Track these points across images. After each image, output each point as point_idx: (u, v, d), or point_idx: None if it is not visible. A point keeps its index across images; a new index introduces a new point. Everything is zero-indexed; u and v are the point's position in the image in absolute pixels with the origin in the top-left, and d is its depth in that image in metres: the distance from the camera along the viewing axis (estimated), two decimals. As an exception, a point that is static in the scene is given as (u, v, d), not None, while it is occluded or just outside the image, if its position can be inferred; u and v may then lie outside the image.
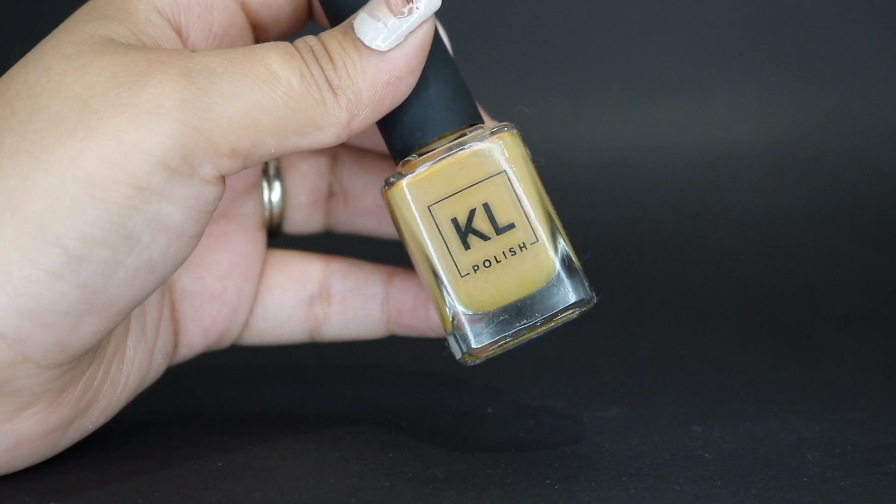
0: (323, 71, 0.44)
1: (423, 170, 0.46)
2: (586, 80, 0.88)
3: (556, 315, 0.46)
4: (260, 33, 0.49)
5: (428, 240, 0.46)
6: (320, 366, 0.60)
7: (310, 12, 0.50)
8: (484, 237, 0.46)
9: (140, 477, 0.46)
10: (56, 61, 0.44)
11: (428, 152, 0.46)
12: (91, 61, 0.43)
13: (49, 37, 0.45)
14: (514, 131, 0.46)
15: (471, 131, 0.46)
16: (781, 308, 0.73)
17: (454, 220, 0.46)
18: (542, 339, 0.52)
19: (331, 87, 0.44)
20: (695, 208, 0.83)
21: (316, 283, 0.52)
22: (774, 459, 0.47)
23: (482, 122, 0.47)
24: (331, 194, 0.53)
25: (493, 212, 0.46)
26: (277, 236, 0.53)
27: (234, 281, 0.51)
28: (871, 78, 0.88)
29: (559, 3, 0.88)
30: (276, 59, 0.44)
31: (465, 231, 0.46)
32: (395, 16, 0.44)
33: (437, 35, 0.46)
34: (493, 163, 0.46)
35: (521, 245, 0.46)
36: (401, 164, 0.46)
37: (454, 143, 0.46)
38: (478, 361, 0.47)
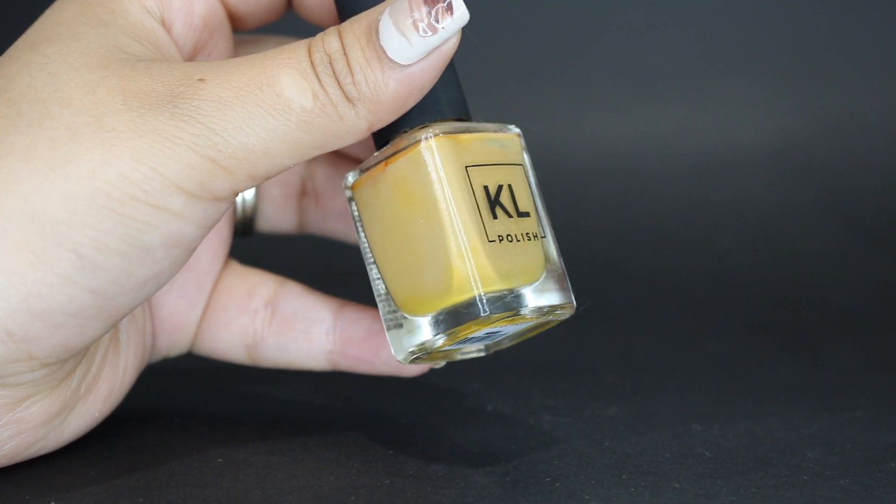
0: (340, 86, 0.43)
1: (466, 133, 0.45)
2: (585, 83, 0.88)
3: (544, 309, 0.46)
4: (238, 24, 0.49)
5: (462, 198, 0.45)
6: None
7: (288, 2, 0.49)
8: (508, 214, 0.46)
9: (140, 473, 0.46)
10: (63, 70, 0.44)
11: (463, 125, 0.46)
12: (101, 79, 0.43)
13: (48, 38, 0.45)
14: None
15: (464, 123, 0.46)
16: (781, 308, 0.73)
17: (486, 188, 0.45)
18: (542, 339, 0.52)
19: (348, 99, 0.43)
20: (695, 210, 0.83)
21: (263, 298, 0.51)
22: (774, 457, 0.47)
23: (470, 118, 0.47)
24: (304, 192, 0.53)
25: (516, 195, 0.46)
26: (252, 234, 0.53)
27: (195, 274, 0.51)
28: (872, 79, 0.87)
29: (558, 5, 0.88)
30: (288, 84, 0.43)
31: (495, 201, 0.45)
32: (419, 34, 0.43)
33: None
34: (516, 152, 0.46)
35: (533, 235, 0.46)
36: (424, 125, 0.45)
37: (489, 124, 0.46)
38: (475, 335, 0.46)
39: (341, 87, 0.43)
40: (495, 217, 0.45)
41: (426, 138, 0.45)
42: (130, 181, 0.42)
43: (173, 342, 0.51)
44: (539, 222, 0.46)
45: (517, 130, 0.47)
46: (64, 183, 0.42)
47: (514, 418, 0.53)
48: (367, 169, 0.46)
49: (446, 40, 0.43)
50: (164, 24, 0.47)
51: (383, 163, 0.46)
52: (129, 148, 0.42)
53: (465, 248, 0.45)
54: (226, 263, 0.52)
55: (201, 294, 0.51)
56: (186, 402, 0.55)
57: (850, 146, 0.86)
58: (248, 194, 0.52)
